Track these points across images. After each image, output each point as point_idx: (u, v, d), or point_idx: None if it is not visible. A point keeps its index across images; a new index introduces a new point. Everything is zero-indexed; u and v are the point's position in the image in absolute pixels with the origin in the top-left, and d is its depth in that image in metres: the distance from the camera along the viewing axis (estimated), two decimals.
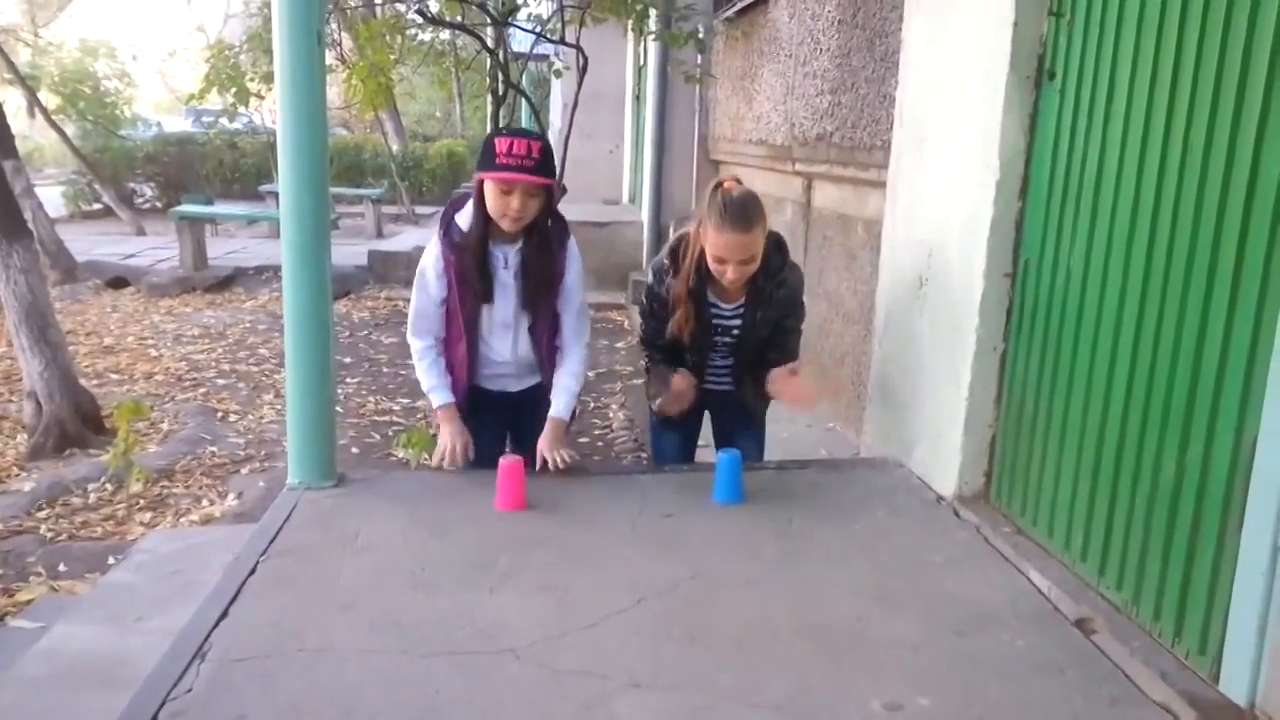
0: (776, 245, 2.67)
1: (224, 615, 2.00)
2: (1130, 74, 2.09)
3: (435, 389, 2.67)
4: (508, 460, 2.56)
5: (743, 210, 2.46)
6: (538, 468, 2.68)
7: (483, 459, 2.71)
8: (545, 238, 2.61)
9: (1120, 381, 2.11)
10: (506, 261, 2.60)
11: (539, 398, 2.72)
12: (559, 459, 2.68)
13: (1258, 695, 1.70)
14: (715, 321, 2.70)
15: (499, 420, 2.82)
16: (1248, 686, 1.71)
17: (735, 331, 2.72)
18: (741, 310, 2.69)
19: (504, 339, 2.68)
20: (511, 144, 2.41)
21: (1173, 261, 1.94)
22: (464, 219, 2.58)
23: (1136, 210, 2.06)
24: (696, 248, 2.57)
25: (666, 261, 2.66)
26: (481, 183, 2.50)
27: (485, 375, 2.72)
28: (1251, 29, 1.74)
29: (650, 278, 2.75)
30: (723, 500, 2.62)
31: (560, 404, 2.70)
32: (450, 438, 2.68)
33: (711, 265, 2.54)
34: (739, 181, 2.57)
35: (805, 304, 2.78)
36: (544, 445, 2.69)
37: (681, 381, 2.68)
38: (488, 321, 2.65)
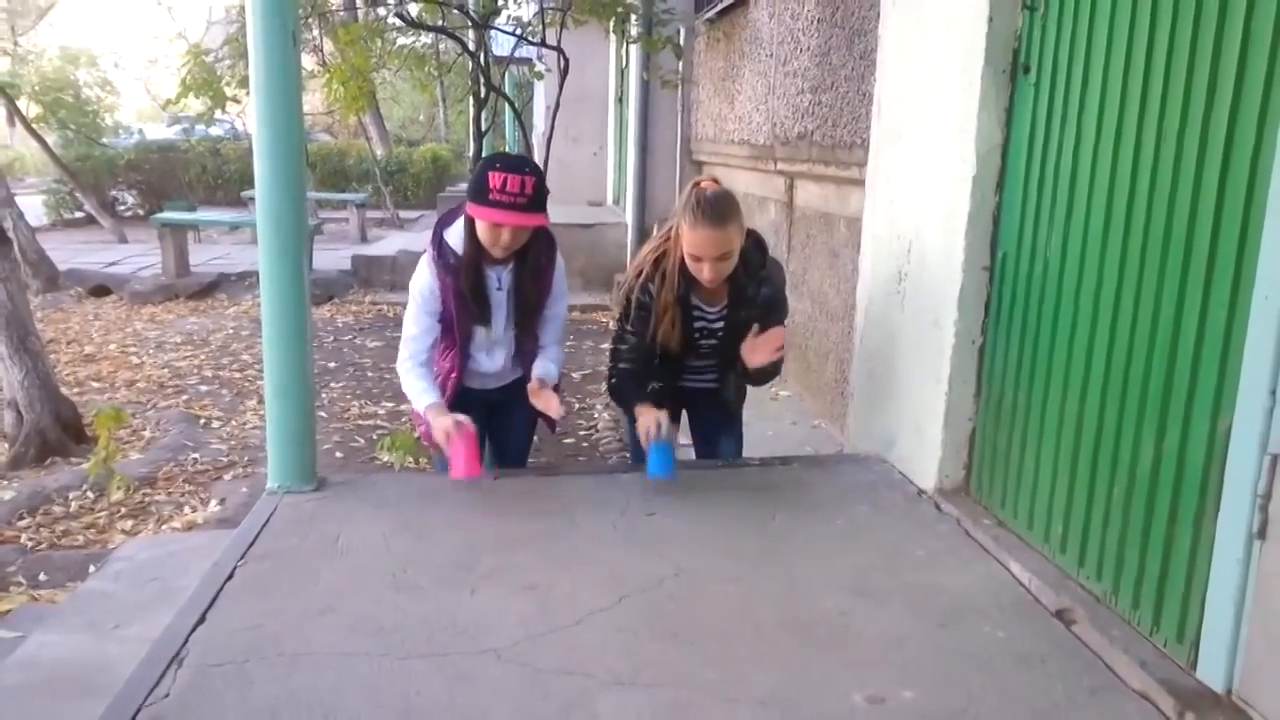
0: (757, 244, 2.65)
1: (201, 620, 1.98)
2: (1104, 66, 2.10)
3: (426, 390, 2.59)
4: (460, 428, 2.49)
5: (716, 206, 2.44)
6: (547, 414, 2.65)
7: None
8: (536, 257, 2.61)
9: (1097, 372, 2.12)
10: (500, 282, 2.61)
11: (518, 395, 2.70)
12: (552, 407, 2.61)
13: (1234, 682, 1.70)
14: (699, 325, 2.68)
15: (479, 420, 2.79)
16: (1224, 673, 1.71)
17: (720, 334, 2.70)
18: (724, 312, 2.67)
19: (493, 354, 2.71)
20: (505, 180, 2.36)
21: (1148, 251, 1.95)
22: (454, 237, 2.56)
23: (1112, 201, 2.07)
24: (677, 252, 2.54)
25: (650, 270, 2.61)
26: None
27: (469, 379, 2.73)
28: (1222, 20, 1.75)
29: (633, 288, 2.66)
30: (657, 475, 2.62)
31: (542, 369, 2.65)
32: (447, 419, 2.52)
33: (688, 264, 2.51)
34: (717, 182, 2.56)
35: (789, 300, 2.78)
36: (533, 396, 2.62)
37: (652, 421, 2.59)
38: (482, 340, 2.67)
